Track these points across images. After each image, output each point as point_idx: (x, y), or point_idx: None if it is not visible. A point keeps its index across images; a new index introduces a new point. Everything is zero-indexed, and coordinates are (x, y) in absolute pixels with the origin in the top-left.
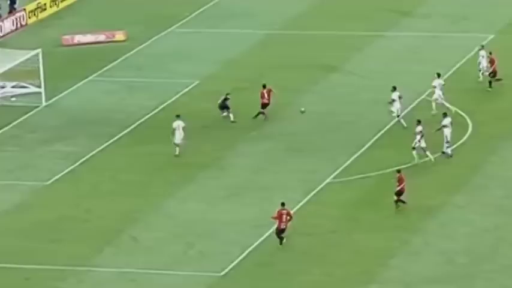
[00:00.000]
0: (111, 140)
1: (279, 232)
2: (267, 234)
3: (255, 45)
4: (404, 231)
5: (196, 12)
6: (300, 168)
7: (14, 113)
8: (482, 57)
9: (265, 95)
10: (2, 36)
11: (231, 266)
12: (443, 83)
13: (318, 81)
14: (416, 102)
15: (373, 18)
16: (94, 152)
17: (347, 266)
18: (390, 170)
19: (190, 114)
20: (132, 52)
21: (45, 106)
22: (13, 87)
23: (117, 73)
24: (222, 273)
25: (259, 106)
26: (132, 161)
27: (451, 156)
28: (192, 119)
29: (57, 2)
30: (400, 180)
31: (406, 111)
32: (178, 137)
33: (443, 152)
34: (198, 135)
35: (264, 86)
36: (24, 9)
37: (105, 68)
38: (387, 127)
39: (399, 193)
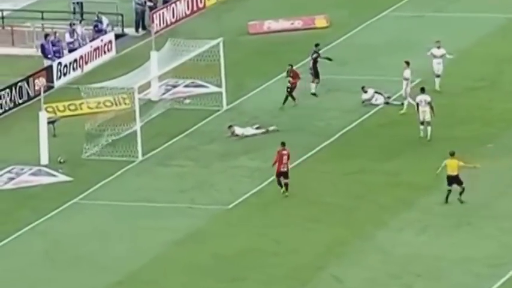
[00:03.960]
0: (308, 154)
1: (279, 175)
2: (507, 277)
3: (493, 33)
4: None
5: None
6: None
7: (187, 119)
8: None
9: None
10: (174, 23)
11: None
12: None
13: None
14: None
15: None
16: None
17: None
18: None
19: (406, 120)
20: (334, 43)
21: (227, 110)
22: (187, 86)
23: None
24: None
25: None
26: (334, 180)
27: None
28: (407, 125)
29: None
30: (278, 156)
31: None
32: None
33: None
34: (416, 148)
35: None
36: None
37: (301, 63)
38: None
39: (277, 174)
